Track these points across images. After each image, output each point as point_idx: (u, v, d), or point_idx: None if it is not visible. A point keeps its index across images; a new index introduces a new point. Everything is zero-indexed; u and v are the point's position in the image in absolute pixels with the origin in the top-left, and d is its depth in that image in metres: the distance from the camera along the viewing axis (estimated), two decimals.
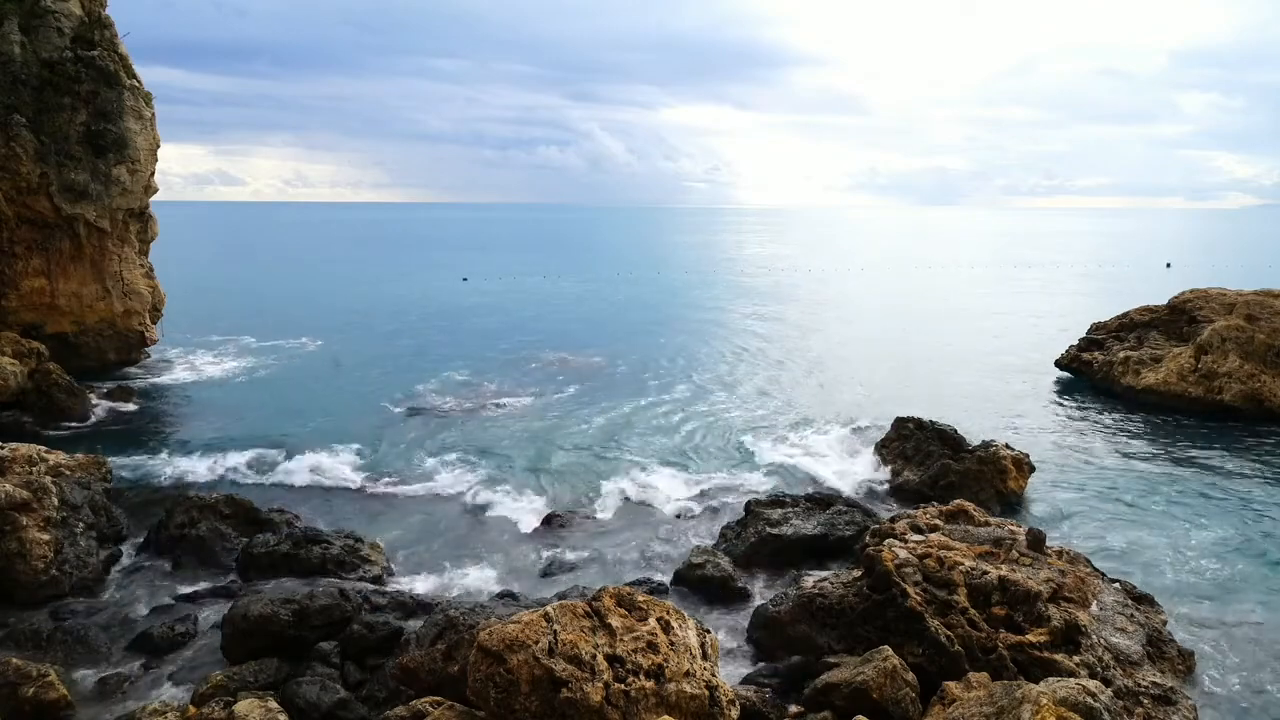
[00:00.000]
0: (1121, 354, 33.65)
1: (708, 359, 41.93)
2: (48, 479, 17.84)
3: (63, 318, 34.07)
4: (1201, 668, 14.01)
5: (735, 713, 10.79)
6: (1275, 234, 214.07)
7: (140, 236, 36.41)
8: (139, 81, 34.55)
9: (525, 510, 21.74)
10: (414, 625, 13.94)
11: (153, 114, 34.87)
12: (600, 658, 10.35)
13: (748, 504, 20.26)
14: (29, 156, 31.18)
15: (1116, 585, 15.25)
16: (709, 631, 11.84)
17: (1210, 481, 23.58)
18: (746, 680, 13.54)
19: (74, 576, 16.77)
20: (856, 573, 14.65)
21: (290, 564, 17.27)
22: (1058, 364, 37.09)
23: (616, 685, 10.13)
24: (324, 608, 14.43)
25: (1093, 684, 10.21)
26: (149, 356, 38.34)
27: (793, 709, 12.47)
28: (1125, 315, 36.84)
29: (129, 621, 15.73)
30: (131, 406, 30.79)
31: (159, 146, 35.61)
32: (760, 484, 23.58)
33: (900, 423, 24.95)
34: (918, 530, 15.79)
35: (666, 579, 17.49)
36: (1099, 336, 36.54)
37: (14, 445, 18.56)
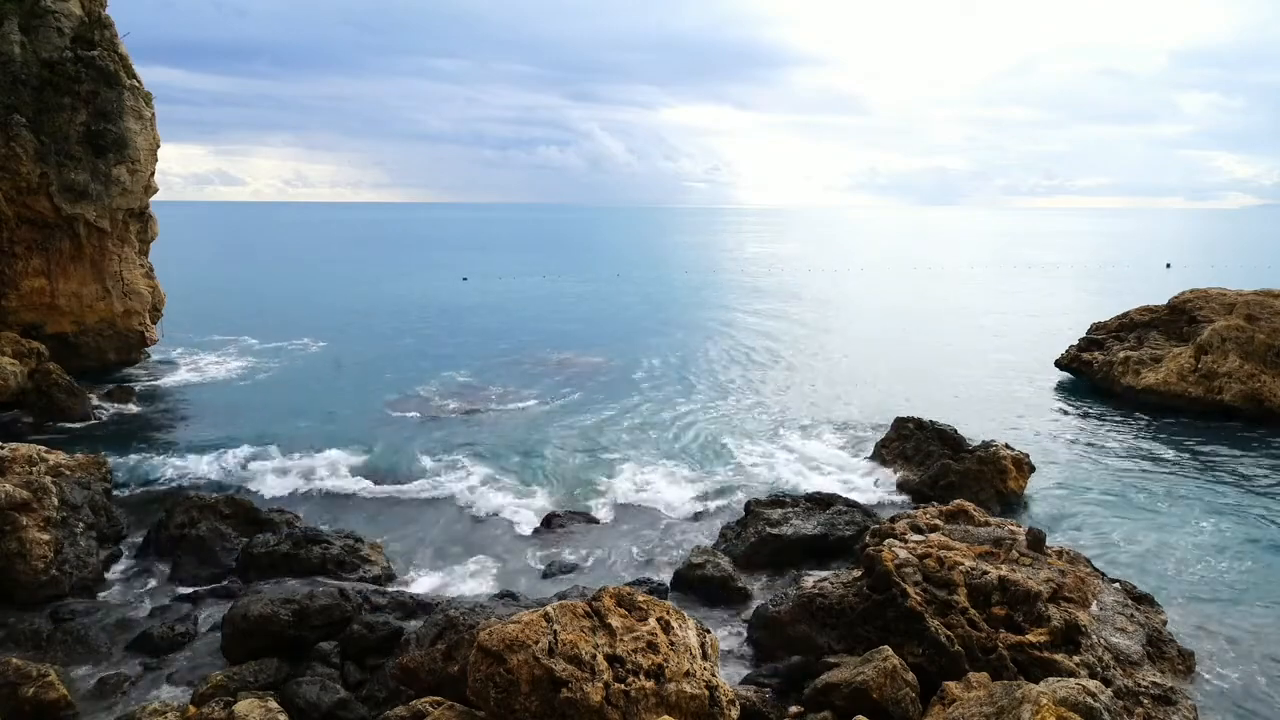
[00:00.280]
0: (1121, 354, 33.65)
1: (707, 359, 41.92)
2: (48, 479, 17.82)
3: (63, 318, 34.07)
4: (1201, 668, 14.00)
5: (735, 713, 10.78)
6: (1275, 234, 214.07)
7: (140, 236, 36.41)
8: (139, 81, 34.56)
9: (525, 510, 21.75)
10: (414, 625, 13.93)
11: (153, 114, 34.88)
12: (600, 658, 10.35)
13: (748, 504, 20.26)
14: (29, 156, 31.18)
15: (1116, 585, 15.25)
16: (709, 631, 11.83)
17: (1210, 481, 23.58)
18: (746, 680, 13.54)
19: (74, 576, 16.76)
20: (856, 573, 14.64)
21: (290, 564, 17.27)
22: (1058, 364, 37.09)
23: (616, 685, 10.13)
24: (324, 608, 14.43)
25: (1093, 684, 10.20)
26: (149, 356, 38.36)
27: (793, 709, 12.47)
28: (1125, 315, 36.83)
29: (129, 621, 15.73)
30: (132, 407, 30.80)
31: (159, 146, 35.62)
32: (760, 484, 23.57)
33: (900, 423, 24.96)
34: (918, 530, 15.78)
35: (666, 579, 17.49)
36: (1099, 336, 36.53)
37: (14, 445, 18.55)
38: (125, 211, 34.63)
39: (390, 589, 16.68)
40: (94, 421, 28.99)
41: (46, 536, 16.65)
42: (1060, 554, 15.49)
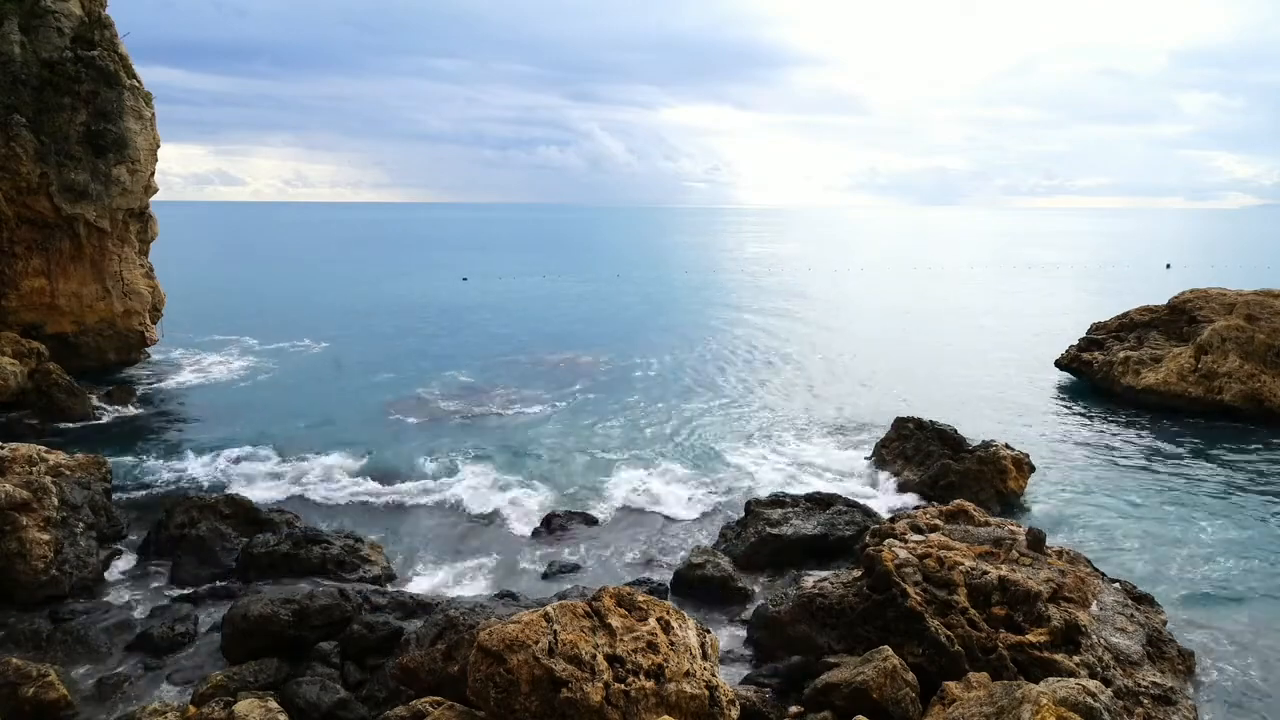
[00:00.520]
0: (1121, 354, 33.64)
1: (707, 359, 41.93)
2: (48, 479, 17.82)
3: (63, 318, 34.08)
4: (1201, 668, 14.00)
5: (735, 713, 10.78)
6: (1275, 234, 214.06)
7: (140, 236, 36.42)
8: (139, 81, 34.57)
9: (525, 511, 21.76)
10: (414, 625, 13.93)
11: (153, 114, 34.88)
12: (600, 658, 10.35)
13: (748, 504, 20.26)
14: (29, 156, 31.19)
15: (1116, 585, 15.25)
16: (709, 631, 11.83)
17: (1210, 482, 23.58)
18: (746, 680, 13.55)
19: (74, 576, 16.76)
20: (856, 573, 14.64)
21: (290, 564, 17.27)
22: (1058, 364, 37.08)
23: (616, 685, 10.13)
24: (324, 608, 14.43)
25: (1093, 684, 10.20)
26: (149, 356, 38.37)
27: (793, 709, 12.47)
28: (1125, 315, 36.82)
29: (129, 621, 15.73)
30: (132, 407, 30.79)
31: (159, 146, 35.63)
32: (760, 484, 23.57)
33: (900, 423, 24.96)
34: (918, 530, 15.78)
35: (666, 579, 17.49)
36: (1099, 336, 36.53)
37: (14, 445, 18.54)
38: (125, 211, 34.64)
39: (390, 589, 16.68)
40: (94, 422, 28.99)
41: (46, 536, 16.65)
42: (1060, 554, 15.50)
